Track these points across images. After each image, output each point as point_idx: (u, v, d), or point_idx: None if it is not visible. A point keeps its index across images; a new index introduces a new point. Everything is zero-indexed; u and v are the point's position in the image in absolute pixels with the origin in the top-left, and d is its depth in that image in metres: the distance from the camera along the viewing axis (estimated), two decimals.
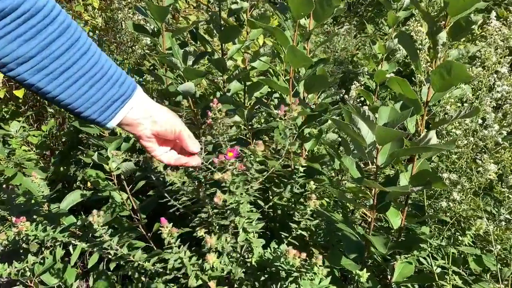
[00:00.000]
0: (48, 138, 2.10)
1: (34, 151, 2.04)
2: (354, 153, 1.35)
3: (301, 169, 1.28)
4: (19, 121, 2.06)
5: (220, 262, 1.05)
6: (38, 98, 2.39)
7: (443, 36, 1.09)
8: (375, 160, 1.07)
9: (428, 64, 1.23)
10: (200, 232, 1.06)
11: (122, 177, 1.62)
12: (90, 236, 1.36)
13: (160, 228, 1.02)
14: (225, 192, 1.05)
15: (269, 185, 1.56)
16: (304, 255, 0.96)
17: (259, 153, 1.06)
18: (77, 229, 1.36)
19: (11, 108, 2.28)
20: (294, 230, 1.16)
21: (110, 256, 1.31)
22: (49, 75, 0.61)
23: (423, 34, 1.26)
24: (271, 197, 1.47)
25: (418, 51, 1.19)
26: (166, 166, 1.31)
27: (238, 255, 1.10)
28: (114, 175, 1.55)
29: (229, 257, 1.10)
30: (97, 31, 2.32)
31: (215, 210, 1.21)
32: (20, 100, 2.32)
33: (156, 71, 1.72)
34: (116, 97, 0.68)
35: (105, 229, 1.11)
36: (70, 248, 1.31)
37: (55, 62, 0.61)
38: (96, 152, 1.43)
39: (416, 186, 1.06)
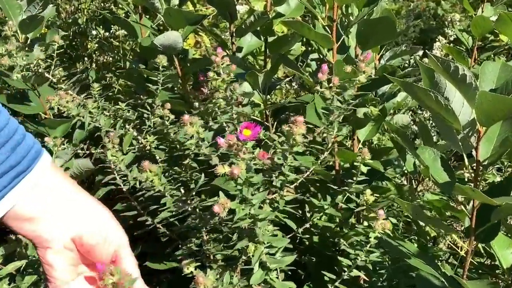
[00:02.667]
0: None
1: None
2: (438, 144, 1.23)
3: (363, 169, 1.20)
4: None
5: None
6: None
7: None
8: (474, 153, 0.95)
9: None
10: (189, 268, 0.99)
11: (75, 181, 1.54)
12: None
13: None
14: (233, 198, 0.95)
15: (303, 196, 1.46)
16: None
17: (298, 138, 0.94)
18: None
19: None
20: (346, 269, 1.10)
21: None
22: None
23: None
24: (308, 214, 1.40)
25: None
26: (131, 164, 1.23)
27: None
28: None
29: None
30: None
31: (214, 235, 1.12)
32: None
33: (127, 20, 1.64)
34: (4, 169, 0.57)
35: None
36: None
37: None
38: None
39: None
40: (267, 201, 1.01)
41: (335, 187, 1.31)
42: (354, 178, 1.22)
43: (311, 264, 1.49)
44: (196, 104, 1.40)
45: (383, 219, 1.04)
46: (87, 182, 1.74)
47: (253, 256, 0.97)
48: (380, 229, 1.05)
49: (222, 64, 1.13)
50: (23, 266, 1.27)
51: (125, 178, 1.20)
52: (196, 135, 1.09)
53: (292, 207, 1.10)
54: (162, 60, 1.41)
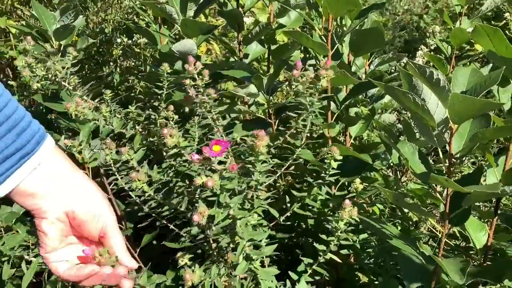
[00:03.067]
0: None
1: None
2: (420, 140, 1.23)
3: (334, 164, 1.17)
4: None
5: None
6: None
7: None
8: (447, 147, 0.95)
9: None
10: (183, 260, 0.99)
11: (101, 171, 1.55)
12: None
13: None
14: (211, 205, 0.92)
15: (300, 186, 1.46)
16: None
17: (262, 149, 0.92)
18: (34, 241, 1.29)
19: None
20: (321, 254, 1.08)
21: None
22: None
23: None
24: (289, 205, 1.37)
25: None
26: (143, 159, 1.22)
27: None
28: (88, 168, 1.48)
29: None
30: None
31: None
32: None
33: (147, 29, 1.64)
34: (10, 151, 0.58)
35: None
36: (23, 265, 1.24)
37: None
38: (63, 136, 1.36)
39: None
40: (246, 200, 0.99)
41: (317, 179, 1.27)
42: (327, 172, 1.20)
43: (307, 244, 1.49)
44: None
45: (350, 207, 1.03)
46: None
47: (238, 248, 0.95)
48: (348, 217, 1.03)
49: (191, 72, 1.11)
50: None
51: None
52: (177, 144, 1.04)
53: (273, 200, 1.08)
54: (165, 67, 1.39)
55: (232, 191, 0.90)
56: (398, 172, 1.62)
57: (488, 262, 1.19)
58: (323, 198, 1.28)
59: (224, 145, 0.83)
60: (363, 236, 1.29)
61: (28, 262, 1.26)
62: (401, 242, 1.12)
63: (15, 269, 1.27)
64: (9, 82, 2.23)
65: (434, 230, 1.57)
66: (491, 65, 1.32)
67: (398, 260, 1.17)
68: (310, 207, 1.28)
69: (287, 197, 1.28)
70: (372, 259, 1.38)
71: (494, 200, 1.19)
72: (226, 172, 0.83)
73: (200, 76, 1.12)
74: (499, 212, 1.16)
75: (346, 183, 1.39)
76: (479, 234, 1.20)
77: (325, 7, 1.21)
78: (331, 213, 1.32)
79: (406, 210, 1.56)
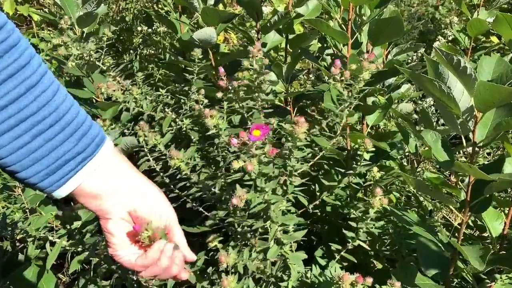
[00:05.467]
0: None
1: None
2: (438, 129, 1.21)
3: (366, 155, 1.17)
4: None
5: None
6: None
7: None
8: (471, 135, 0.93)
9: None
10: (213, 242, 0.99)
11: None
12: (74, 231, 1.28)
13: None
14: (249, 187, 0.92)
15: (316, 174, 1.44)
16: (369, 280, 0.84)
17: (301, 136, 0.92)
18: (58, 222, 1.29)
19: None
20: (350, 240, 1.08)
21: (99, 259, 1.24)
22: None
23: None
24: (318, 193, 1.36)
25: None
26: (168, 145, 1.22)
27: (269, 277, 0.99)
28: None
29: (257, 282, 0.98)
30: None
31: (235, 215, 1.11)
32: None
33: (168, 17, 1.63)
34: (71, 155, 0.59)
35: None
36: (47, 246, 1.24)
37: None
38: None
39: None
40: (278, 186, 0.99)
41: (347, 169, 1.30)
42: (359, 161, 1.20)
43: (322, 232, 1.48)
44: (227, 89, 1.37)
45: (381, 196, 1.03)
46: (131, 156, 1.74)
47: (269, 232, 0.96)
48: (378, 205, 1.03)
49: (256, 56, 1.10)
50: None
51: (162, 157, 1.19)
52: (216, 125, 1.06)
53: (304, 185, 1.07)
54: (197, 52, 1.40)
55: (267, 176, 0.89)
56: (414, 161, 1.59)
57: (503, 252, 1.17)
58: (343, 186, 1.26)
59: (265, 130, 0.83)
60: (380, 223, 1.27)
61: (52, 244, 1.26)
62: (422, 229, 1.11)
63: (39, 250, 1.28)
64: None
65: (449, 220, 1.55)
66: (511, 55, 1.29)
67: (417, 247, 1.15)
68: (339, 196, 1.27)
69: (317, 185, 1.29)
70: (388, 246, 1.37)
71: (510, 190, 1.17)
72: (265, 157, 0.82)
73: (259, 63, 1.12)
74: None
75: (364, 171, 1.38)
76: (495, 223, 1.18)
77: None
78: (350, 202, 1.31)
79: (421, 199, 1.54)
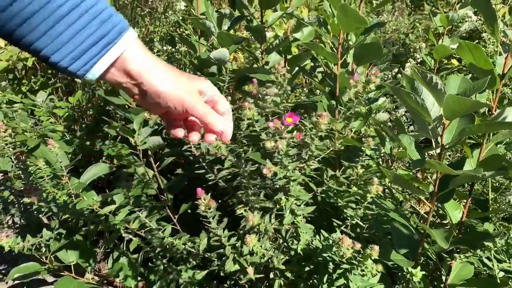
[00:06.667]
0: (76, 111, 2.05)
1: (61, 123, 1.99)
2: (410, 134, 1.22)
3: (368, 152, 1.22)
4: (46, 92, 2.01)
5: (261, 246, 0.94)
6: None
7: None
8: (439, 139, 0.94)
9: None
10: (240, 210, 0.98)
11: (149, 152, 1.55)
12: (112, 212, 1.28)
13: (197, 201, 0.91)
14: (275, 164, 0.95)
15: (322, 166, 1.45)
16: (358, 245, 0.85)
17: (323, 126, 0.95)
18: (97, 205, 1.29)
19: (40, 79, 2.25)
20: (349, 218, 1.09)
21: (130, 236, 1.24)
22: None
23: None
24: (326, 180, 1.36)
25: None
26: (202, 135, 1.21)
27: (281, 240, 0.99)
28: (139, 150, 1.48)
29: (271, 242, 0.99)
30: None
31: (256, 190, 1.11)
32: (49, 71, 2.29)
33: (189, 39, 1.63)
34: (92, 39, 0.52)
35: (132, 201, 1.03)
36: (89, 223, 1.24)
37: None
38: (120, 123, 1.35)
39: (488, 172, 0.91)
40: (297, 169, 1.00)
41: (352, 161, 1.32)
42: (361, 158, 1.24)
43: (320, 217, 1.48)
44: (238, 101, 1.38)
45: (377, 184, 1.03)
46: (157, 153, 1.75)
47: (285, 205, 0.97)
48: (375, 192, 1.04)
49: (281, 72, 1.14)
50: (113, 209, 1.29)
51: (198, 147, 1.19)
52: (252, 117, 1.09)
53: (315, 173, 1.10)
54: (228, 67, 1.40)
55: (291, 157, 0.92)
56: (389, 160, 1.59)
57: (461, 236, 1.16)
58: (340, 180, 1.26)
59: (296, 118, 0.86)
60: (361, 211, 1.28)
61: (93, 223, 1.26)
62: (396, 215, 1.12)
63: (83, 229, 1.28)
64: (74, 79, 2.22)
65: (415, 209, 1.55)
66: (470, 75, 1.30)
67: (391, 230, 1.17)
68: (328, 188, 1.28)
69: (324, 173, 1.29)
70: (367, 230, 1.37)
71: (468, 185, 1.17)
72: (293, 139, 0.84)
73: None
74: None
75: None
76: (455, 212, 1.18)
77: (337, 24, 1.19)
78: (343, 192, 1.32)
79: (394, 191, 1.54)
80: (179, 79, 0.59)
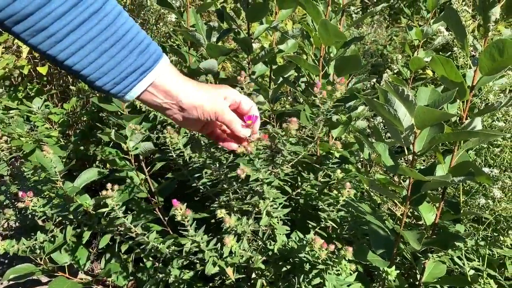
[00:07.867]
0: (71, 116, 2.05)
1: (56, 129, 1.99)
2: (386, 141, 1.24)
3: (337, 154, 1.23)
4: (41, 99, 2.01)
5: (240, 247, 0.95)
6: (63, 76, 2.36)
7: (496, 11, 0.96)
8: (411, 147, 0.95)
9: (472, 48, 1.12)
10: (220, 214, 0.97)
11: (141, 157, 1.55)
12: (103, 215, 1.28)
13: (173, 211, 0.92)
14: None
15: (297, 171, 1.46)
16: (332, 247, 0.86)
17: (293, 132, 0.96)
18: (90, 208, 1.29)
19: (36, 86, 2.24)
20: (323, 220, 1.09)
21: (122, 238, 1.25)
22: (50, 38, 0.53)
23: (468, 14, 1.15)
24: (300, 183, 1.38)
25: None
26: (186, 144, 1.22)
27: (260, 242, 1.01)
28: (131, 155, 1.48)
29: (249, 243, 1.00)
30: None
31: (236, 195, 1.13)
32: (45, 78, 2.28)
33: (180, 50, 1.64)
34: (132, 68, 0.59)
35: (119, 206, 1.04)
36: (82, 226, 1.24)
37: (56, 23, 0.52)
38: (113, 129, 1.35)
39: (458, 177, 0.94)
40: (272, 173, 1.01)
41: (322, 166, 1.32)
42: (330, 160, 1.23)
43: (297, 219, 1.50)
44: None
45: (350, 188, 1.04)
46: (148, 158, 1.75)
47: (262, 206, 0.97)
48: (346, 195, 1.05)
49: (245, 82, 1.12)
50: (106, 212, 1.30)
51: (181, 154, 1.19)
52: None
53: (289, 177, 1.09)
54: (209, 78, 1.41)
55: (263, 160, 0.93)
56: (367, 165, 1.61)
57: (434, 236, 1.18)
58: (313, 183, 1.28)
59: (254, 119, 0.86)
60: (341, 213, 1.30)
61: (86, 225, 1.26)
62: (372, 217, 1.14)
63: (76, 231, 1.28)
64: (70, 86, 2.22)
65: (392, 211, 1.57)
66: (442, 86, 1.33)
67: (368, 232, 1.17)
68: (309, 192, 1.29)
69: (298, 177, 1.30)
70: (347, 231, 1.39)
71: (441, 189, 1.20)
72: (260, 141, 0.84)
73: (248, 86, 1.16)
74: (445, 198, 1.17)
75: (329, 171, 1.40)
76: (429, 214, 1.20)
77: (319, 38, 1.21)
78: (319, 195, 1.33)
79: (372, 195, 1.57)
80: (208, 91, 0.67)
